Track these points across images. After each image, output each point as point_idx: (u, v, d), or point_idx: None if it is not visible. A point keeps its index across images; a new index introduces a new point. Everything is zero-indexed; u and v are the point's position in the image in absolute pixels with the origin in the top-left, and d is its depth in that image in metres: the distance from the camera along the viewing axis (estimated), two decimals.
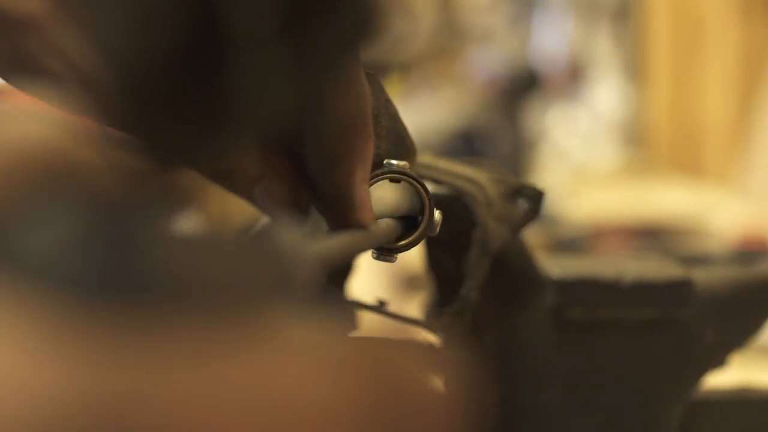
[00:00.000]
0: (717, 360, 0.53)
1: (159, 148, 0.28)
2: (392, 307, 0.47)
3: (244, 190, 0.39)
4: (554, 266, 0.51)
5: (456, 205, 0.46)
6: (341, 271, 0.48)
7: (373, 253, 0.40)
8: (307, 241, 0.30)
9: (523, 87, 2.01)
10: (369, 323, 0.52)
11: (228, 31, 0.26)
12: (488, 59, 2.33)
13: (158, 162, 0.28)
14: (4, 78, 0.39)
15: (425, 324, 0.47)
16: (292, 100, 0.28)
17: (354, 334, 0.36)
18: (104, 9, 0.25)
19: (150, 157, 0.28)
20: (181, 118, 0.28)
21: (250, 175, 0.39)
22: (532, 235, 0.57)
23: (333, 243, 0.34)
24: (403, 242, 0.39)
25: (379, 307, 0.46)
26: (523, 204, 0.48)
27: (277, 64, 0.26)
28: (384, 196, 0.47)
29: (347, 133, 0.36)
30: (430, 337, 0.50)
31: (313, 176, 0.38)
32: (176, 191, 0.22)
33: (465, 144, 2.27)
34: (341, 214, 0.37)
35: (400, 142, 0.41)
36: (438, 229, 0.40)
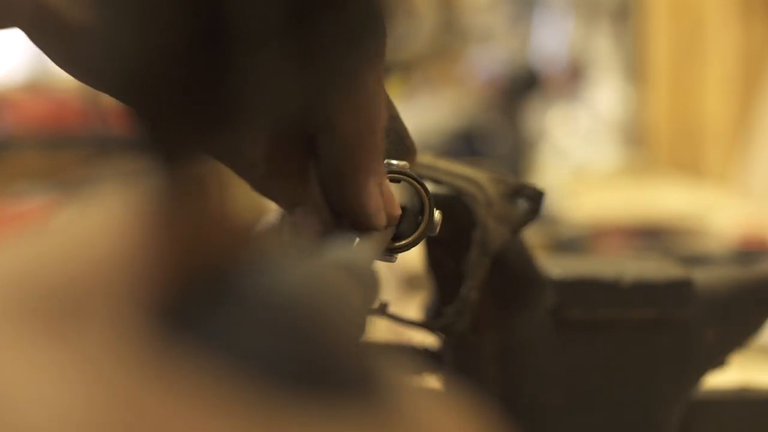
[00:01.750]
0: (717, 360, 0.53)
1: (165, 144, 0.28)
2: (392, 308, 0.47)
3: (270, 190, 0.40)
4: (554, 266, 0.51)
5: (456, 205, 0.46)
6: None
7: None
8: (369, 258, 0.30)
9: (523, 87, 2.01)
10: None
11: (234, 28, 0.26)
12: (488, 59, 2.33)
13: (164, 160, 0.28)
14: (84, 82, 0.40)
15: (425, 324, 0.47)
16: (299, 98, 0.28)
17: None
18: (113, 8, 0.26)
19: (156, 155, 0.28)
20: (188, 114, 0.28)
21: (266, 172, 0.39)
22: (532, 235, 0.57)
23: (370, 252, 0.34)
24: (403, 242, 0.39)
25: (380, 308, 0.46)
26: (523, 204, 0.48)
27: (284, 61, 0.27)
28: None
29: (354, 152, 0.36)
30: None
31: (324, 191, 0.38)
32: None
33: (465, 144, 2.27)
34: (356, 222, 0.37)
35: (400, 142, 0.41)
36: (438, 229, 0.40)
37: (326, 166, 0.37)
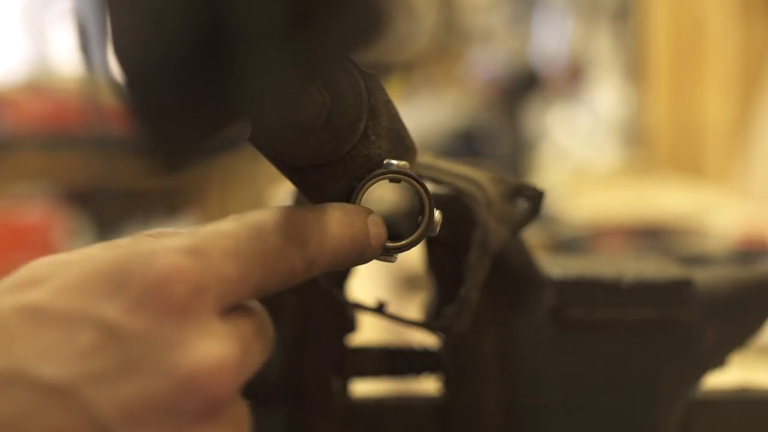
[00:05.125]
0: (717, 360, 0.53)
1: (168, 145, 0.28)
2: (392, 308, 0.47)
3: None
4: (554, 266, 0.51)
5: (456, 205, 0.46)
6: (341, 271, 0.48)
7: None
8: None
9: (523, 87, 2.01)
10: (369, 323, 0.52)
11: (237, 31, 0.26)
12: (488, 59, 2.33)
13: (167, 161, 0.28)
14: None
15: (425, 324, 0.47)
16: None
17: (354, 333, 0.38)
18: (119, 12, 0.26)
19: (158, 157, 0.28)
20: (190, 115, 0.28)
21: None
22: (532, 235, 0.57)
23: None
24: (403, 242, 0.39)
25: (379, 308, 0.46)
26: (523, 204, 0.48)
27: (284, 62, 0.27)
28: (384, 196, 0.47)
29: None
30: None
31: None
32: None
33: (465, 144, 2.27)
34: None
35: (400, 142, 0.41)
36: (438, 229, 0.40)
37: None
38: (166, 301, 0.31)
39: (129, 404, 0.30)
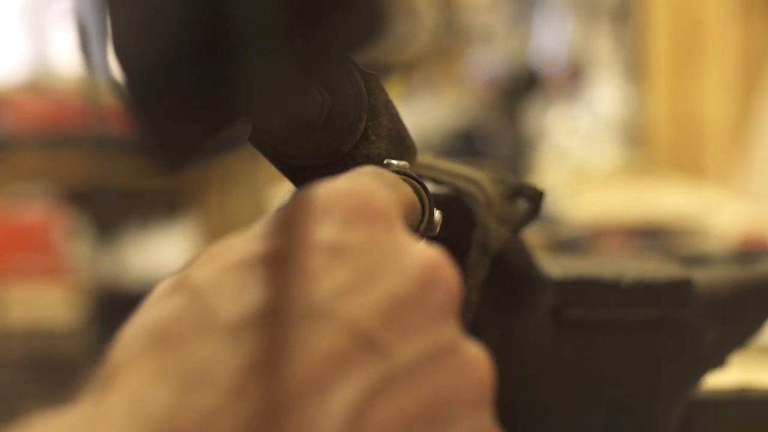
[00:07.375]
0: (717, 360, 0.53)
1: (167, 146, 0.28)
2: None
3: None
4: (554, 266, 0.51)
5: (456, 205, 0.46)
6: None
7: None
8: None
9: (523, 87, 2.01)
10: None
11: (237, 30, 0.26)
12: (488, 59, 2.33)
13: (166, 161, 0.28)
14: None
15: None
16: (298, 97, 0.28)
17: None
18: (119, 12, 0.26)
19: (158, 157, 0.28)
20: (190, 115, 0.28)
21: None
22: (532, 235, 0.57)
23: None
24: None
25: None
26: (523, 204, 0.48)
27: (285, 63, 0.27)
28: None
29: None
30: None
31: None
32: None
33: (465, 144, 2.27)
34: None
35: (400, 142, 0.41)
36: (438, 229, 0.40)
37: None
38: (373, 213, 0.32)
39: (383, 307, 0.30)
